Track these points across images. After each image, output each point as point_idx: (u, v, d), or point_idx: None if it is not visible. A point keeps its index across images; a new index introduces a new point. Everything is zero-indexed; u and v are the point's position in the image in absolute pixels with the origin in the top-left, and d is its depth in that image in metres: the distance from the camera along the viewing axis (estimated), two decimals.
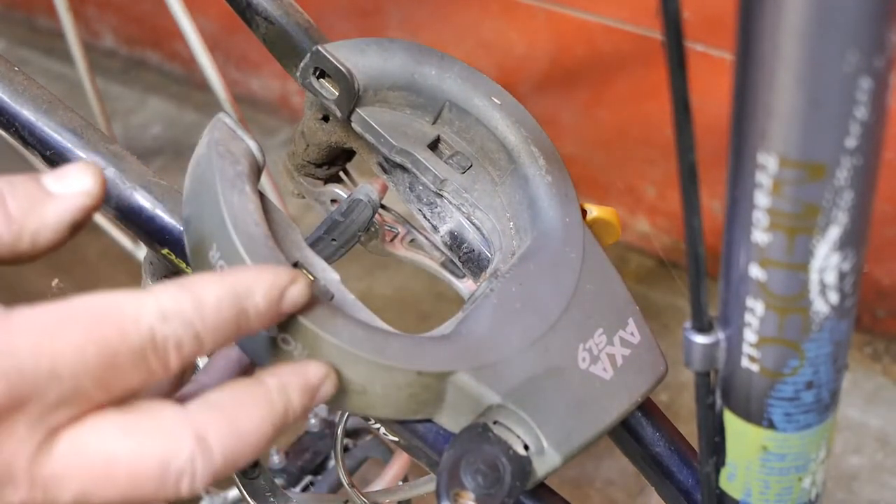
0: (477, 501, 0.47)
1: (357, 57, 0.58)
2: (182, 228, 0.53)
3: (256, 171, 0.51)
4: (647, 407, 0.59)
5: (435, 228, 0.62)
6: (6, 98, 0.54)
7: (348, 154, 0.66)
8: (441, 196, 0.60)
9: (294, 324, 0.47)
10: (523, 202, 0.58)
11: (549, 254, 0.55)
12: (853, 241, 0.38)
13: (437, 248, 0.66)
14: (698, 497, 0.60)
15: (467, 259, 0.62)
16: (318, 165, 0.65)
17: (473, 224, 0.60)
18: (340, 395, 0.49)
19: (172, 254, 0.54)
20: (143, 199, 0.54)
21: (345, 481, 0.65)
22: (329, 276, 0.51)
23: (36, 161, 0.56)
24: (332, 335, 0.47)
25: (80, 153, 0.54)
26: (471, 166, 0.60)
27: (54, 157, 0.54)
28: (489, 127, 0.59)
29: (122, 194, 0.54)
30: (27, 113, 0.54)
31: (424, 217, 0.62)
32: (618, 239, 0.59)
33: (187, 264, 0.54)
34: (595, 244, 0.57)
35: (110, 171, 0.54)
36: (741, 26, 0.35)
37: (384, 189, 0.64)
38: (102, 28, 2.01)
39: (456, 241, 0.61)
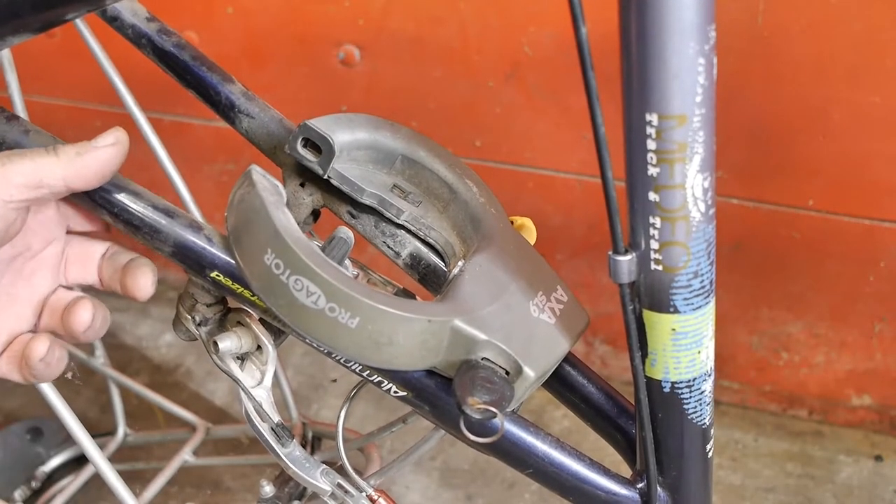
0: (485, 403, 0.66)
1: (332, 127, 0.78)
2: (228, 258, 0.71)
3: (285, 203, 0.70)
4: (572, 359, 0.79)
5: (397, 254, 0.81)
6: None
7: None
8: (401, 227, 0.80)
9: (339, 295, 0.65)
10: (466, 219, 0.79)
11: (494, 248, 0.76)
12: (709, 165, 0.61)
13: (390, 284, 0.85)
14: (622, 422, 0.80)
15: (425, 274, 0.81)
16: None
17: (429, 244, 0.80)
18: (373, 349, 0.67)
19: (221, 275, 0.71)
20: (194, 237, 0.71)
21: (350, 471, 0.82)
22: (350, 271, 0.70)
23: None
24: (369, 299, 0.65)
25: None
26: (421, 202, 0.80)
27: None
28: (432, 170, 0.80)
29: (177, 236, 0.71)
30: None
31: (388, 247, 0.82)
32: (535, 239, 0.81)
33: (233, 281, 0.71)
34: (524, 239, 0.78)
35: (164, 220, 0.71)
36: (625, 35, 0.58)
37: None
38: None
39: (415, 261, 0.81)
